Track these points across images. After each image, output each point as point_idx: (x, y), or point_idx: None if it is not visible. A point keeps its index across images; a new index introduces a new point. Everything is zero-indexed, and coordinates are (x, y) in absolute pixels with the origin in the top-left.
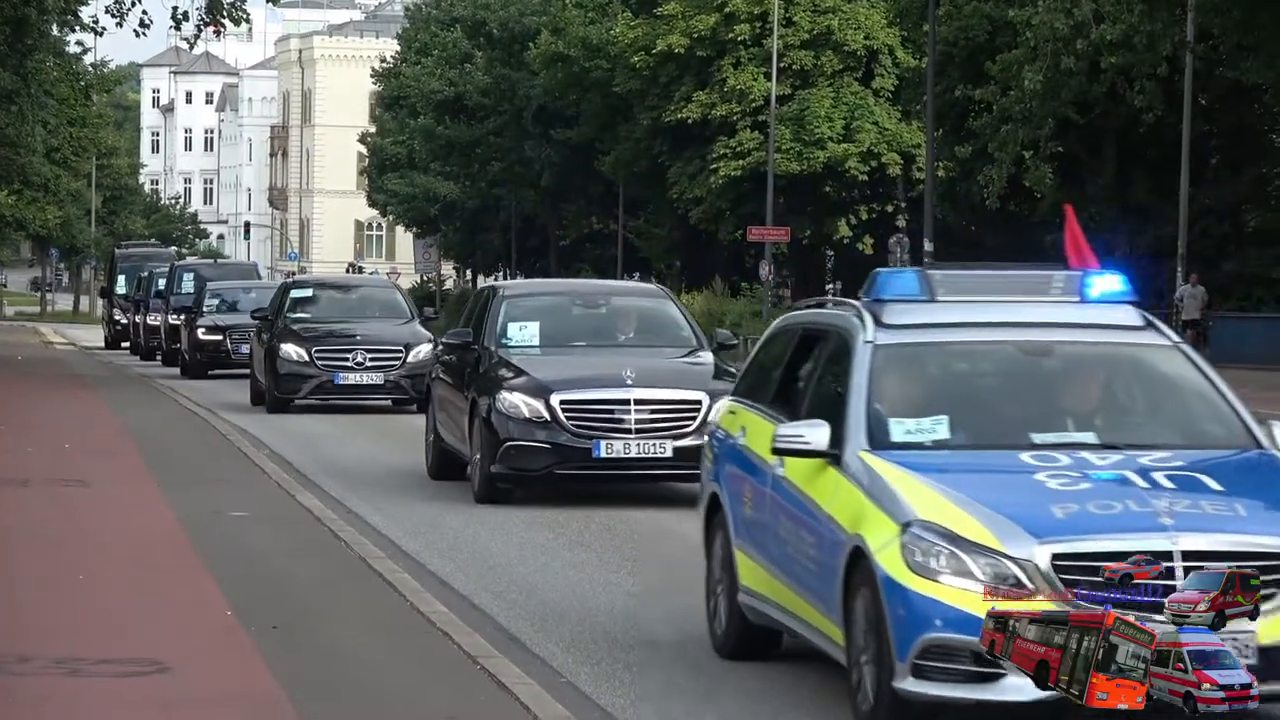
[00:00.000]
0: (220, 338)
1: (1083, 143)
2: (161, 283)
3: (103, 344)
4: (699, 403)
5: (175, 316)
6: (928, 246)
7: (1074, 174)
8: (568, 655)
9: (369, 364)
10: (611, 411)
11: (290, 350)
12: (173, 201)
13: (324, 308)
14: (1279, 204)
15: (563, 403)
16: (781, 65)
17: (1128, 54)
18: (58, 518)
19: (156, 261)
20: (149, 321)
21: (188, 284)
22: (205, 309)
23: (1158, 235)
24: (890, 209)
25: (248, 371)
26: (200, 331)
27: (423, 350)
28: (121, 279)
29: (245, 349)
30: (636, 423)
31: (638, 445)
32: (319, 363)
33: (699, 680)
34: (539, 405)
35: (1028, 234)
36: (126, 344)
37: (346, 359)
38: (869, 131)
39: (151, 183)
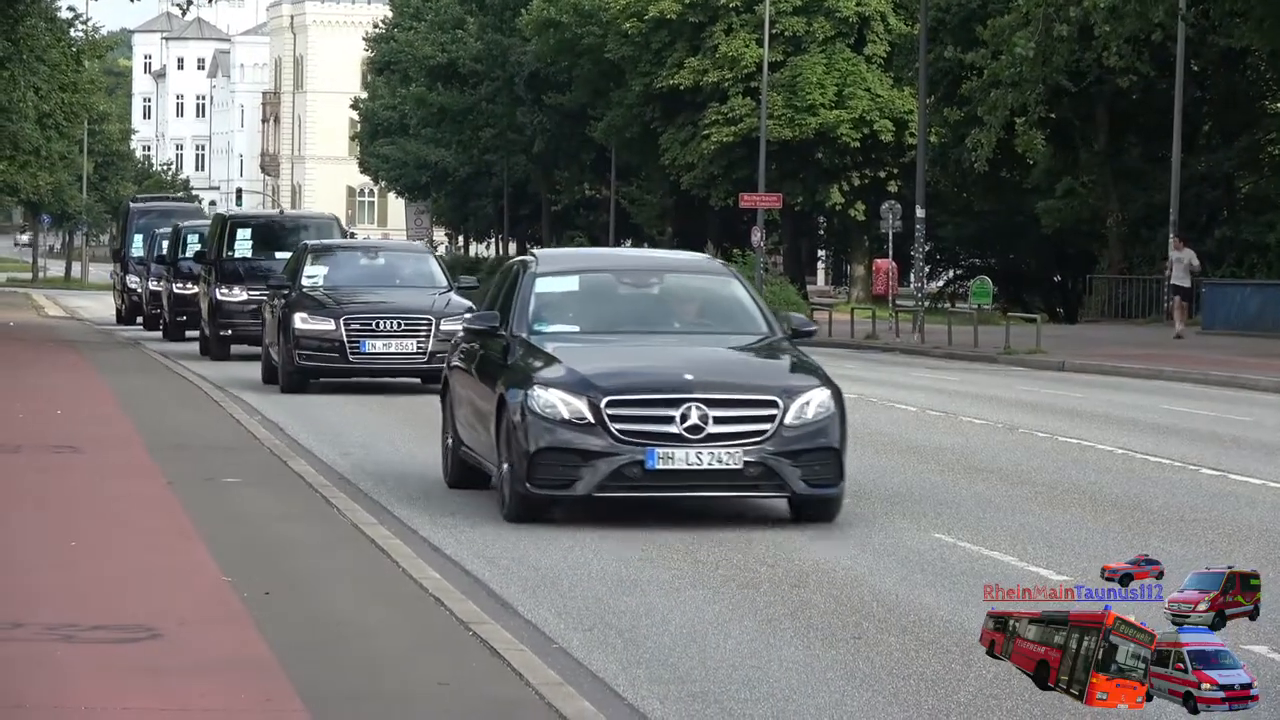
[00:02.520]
0: (331, 326)
1: (1075, 109)
2: (194, 240)
3: (114, 318)
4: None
5: (226, 289)
6: (920, 212)
7: (1066, 140)
8: (560, 621)
9: (714, 428)
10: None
11: (555, 401)
12: (164, 167)
13: (605, 311)
14: (1271, 171)
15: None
16: (774, 31)
17: (1117, 22)
18: (50, 484)
19: (179, 217)
20: (177, 290)
21: (243, 244)
22: (306, 284)
23: (1150, 202)
24: (882, 175)
25: (369, 380)
26: (300, 319)
27: (812, 401)
28: (138, 239)
29: (373, 346)
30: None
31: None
32: (617, 428)
33: (691, 643)
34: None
35: (1020, 199)
36: (142, 318)
37: (670, 418)
38: (861, 98)
39: (143, 149)
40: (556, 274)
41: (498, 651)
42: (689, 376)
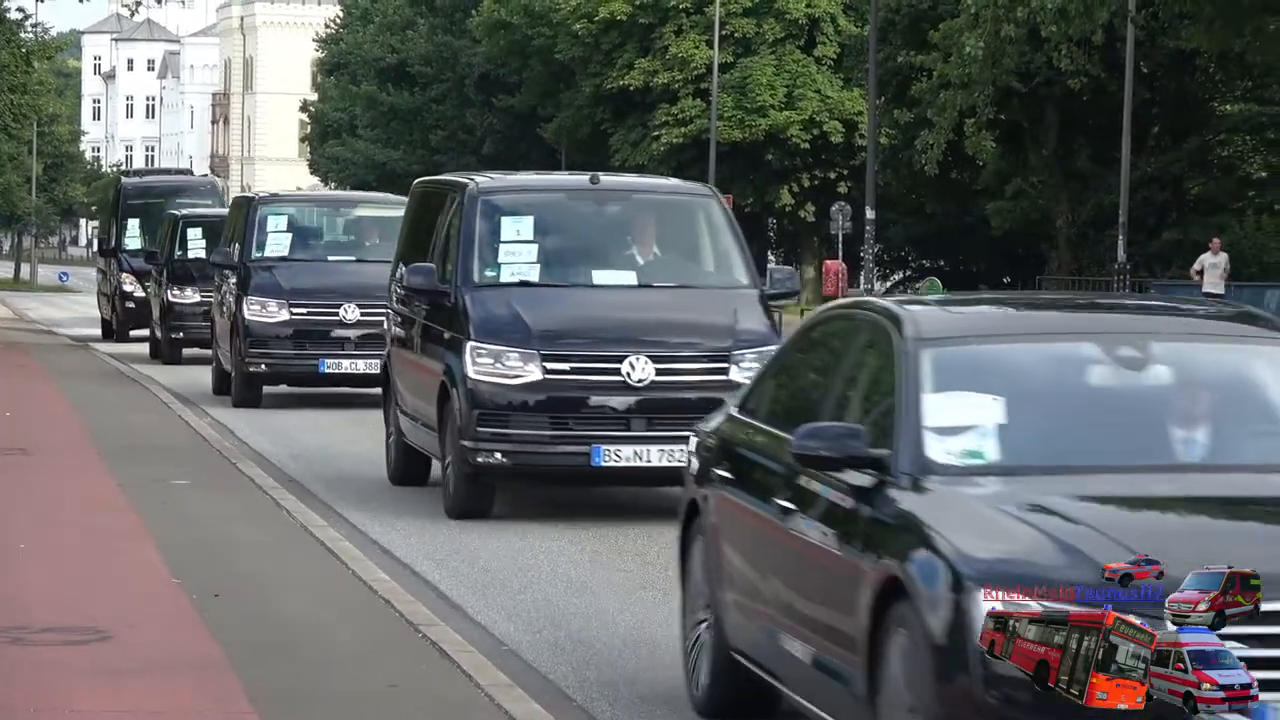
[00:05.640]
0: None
1: (1025, 111)
2: (278, 226)
3: (99, 330)
4: None
5: (488, 356)
6: (870, 214)
7: (1016, 142)
8: (510, 623)
9: None
10: None
11: None
12: (114, 168)
13: None
14: (1221, 173)
15: None
16: (723, 33)
17: (1065, 23)
18: None
19: (189, 197)
20: (251, 315)
21: (513, 254)
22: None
23: (1099, 203)
24: (832, 176)
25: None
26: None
27: None
28: (133, 225)
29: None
30: None
31: None
32: None
33: (641, 645)
34: None
35: (970, 201)
36: (150, 335)
37: None
38: (811, 99)
39: (93, 150)
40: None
41: (447, 653)
42: None
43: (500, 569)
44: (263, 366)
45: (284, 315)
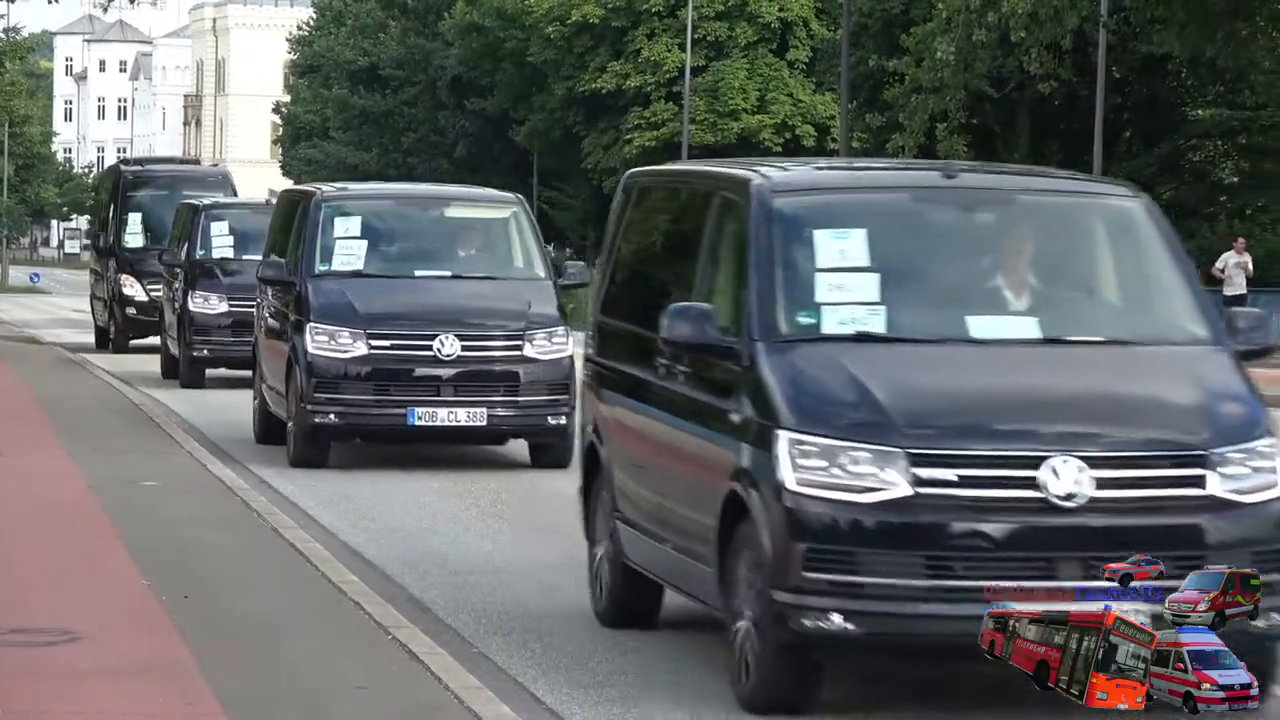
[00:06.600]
0: None
1: (997, 115)
2: (347, 229)
3: (81, 334)
4: None
5: None
6: None
7: (988, 146)
8: (479, 625)
9: None
10: None
11: None
12: (86, 170)
13: None
14: (1192, 178)
15: None
16: (696, 36)
17: (1035, 28)
18: None
19: (197, 188)
20: (316, 349)
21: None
22: None
23: None
24: None
25: None
26: None
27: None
28: (134, 220)
29: None
30: None
31: None
32: None
33: (612, 647)
34: None
35: None
36: (162, 349)
37: None
38: (783, 103)
39: (65, 151)
40: None
41: (417, 655)
42: None
43: (470, 571)
44: (332, 416)
45: (360, 349)
